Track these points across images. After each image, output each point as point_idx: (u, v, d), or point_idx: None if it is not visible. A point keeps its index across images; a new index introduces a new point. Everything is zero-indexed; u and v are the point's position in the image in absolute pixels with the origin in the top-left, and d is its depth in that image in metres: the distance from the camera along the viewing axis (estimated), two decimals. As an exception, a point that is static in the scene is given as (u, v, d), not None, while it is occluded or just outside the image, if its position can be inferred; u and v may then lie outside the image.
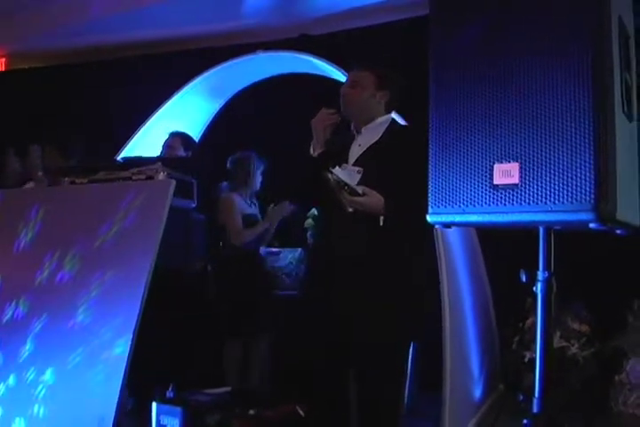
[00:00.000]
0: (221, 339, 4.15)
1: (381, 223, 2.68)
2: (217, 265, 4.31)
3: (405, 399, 3.42)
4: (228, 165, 4.31)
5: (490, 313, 4.24)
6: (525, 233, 1.85)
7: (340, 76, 4.08)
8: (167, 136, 4.42)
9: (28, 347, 2.83)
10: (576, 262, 3.78)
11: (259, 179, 4.34)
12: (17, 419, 2.75)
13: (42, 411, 2.70)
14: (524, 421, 1.78)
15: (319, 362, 2.83)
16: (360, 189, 2.63)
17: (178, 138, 4.40)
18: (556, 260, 1.86)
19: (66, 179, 3.24)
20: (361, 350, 2.73)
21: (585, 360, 3.79)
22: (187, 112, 5.21)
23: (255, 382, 4.16)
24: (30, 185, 3.95)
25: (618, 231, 1.76)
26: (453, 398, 3.06)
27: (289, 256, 4.79)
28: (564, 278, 2.43)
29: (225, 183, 4.35)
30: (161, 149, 4.38)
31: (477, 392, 3.66)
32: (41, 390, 2.73)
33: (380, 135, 2.88)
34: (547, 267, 1.80)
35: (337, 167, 2.69)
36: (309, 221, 4.28)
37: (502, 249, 3.74)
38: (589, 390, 3.69)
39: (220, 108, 5.46)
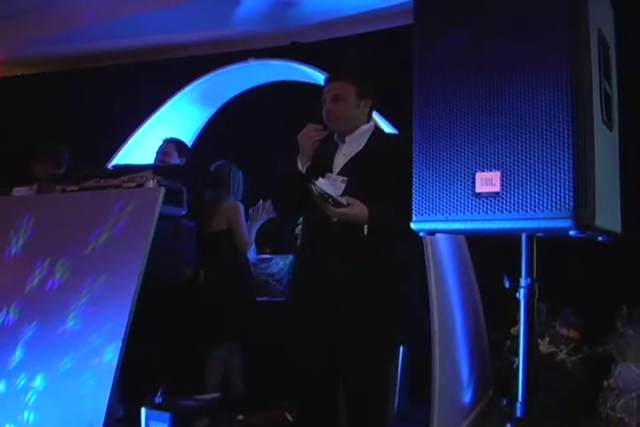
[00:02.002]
0: (208, 344, 4.17)
1: (365, 232, 2.70)
2: (210, 270, 4.35)
3: (395, 405, 3.44)
4: (213, 173, 4.34)
5: (480, 319, 4.26)
6: (515, 239, 1.87)
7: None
8: (161, 142, 4.45)
9: (18, 353, 2.84)
10: (565, 269, 3.82)
11: (241, 187, 4.38)
12: (7, 425, 2.76)
13: (32, 417, 2.71)
14: (507, 425, 1.80)
15: (308, 368, 2.84)
16: (344, 200, 2.64)
17: (172, 144, 4.43)
18: (545, 266, 1.88)
19: (57, 186, 3.25)
20: (349, 356, 2.74)
21: (574, 365, 3.81)
22: (178, 119, 5.24)
23: (237, 387, 4.17)
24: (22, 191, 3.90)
25: (600, 238, 1.79)
26: (442, 403, 3.08)
27: (280, 263, 4.80)
28: (554, 284, 2.45)
29: (208, 191, 4.36)
30: (155, 155, 4.40)
31: (467, 398, 3.67)
32: (31, 397, 2.74)
33: (363, 144, 2.89)
34: (529, 273, 1.82)
35: (320, 178, 2.71)
36: (300, 228, 4.30)
37: (492, 254, 3.76)
38: (578, 394, 3.70)
39: (212, 116, 5.49)
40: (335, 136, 2.96)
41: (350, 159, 2.87)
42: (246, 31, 5.40)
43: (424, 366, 3.11)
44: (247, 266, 4.37)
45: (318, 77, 4.32)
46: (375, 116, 3.10)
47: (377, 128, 3.03)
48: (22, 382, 2.78)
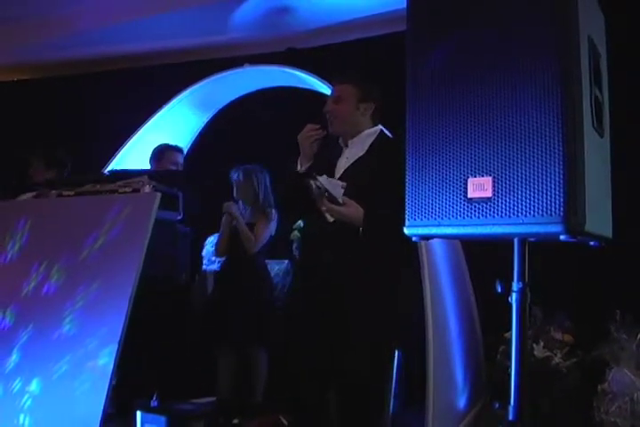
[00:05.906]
0: (210, 349, 4.20)
1: (360, 235, 2.71)
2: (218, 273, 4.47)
3: (390, 410, 3.44)
4: (234, 177, 4.40)
5: (475, 323, 4.26)
6: (510, 242, 1.88)
7: (326, 89, 4.11)
8: (164, 152, 4.41)
9: (14, 357, 2.85)
10: (560, 273, 3.83)
11: (264, 186, 4.42)
12: (2, 429, 2.77)
13: (27, 421, 2.71)
14: (499, 428, 1.82)
15: (304, 373, 2.85)
16: (340, 199, 2.66)
17: (179, 153, 4.42)
18: (540, 271, 1.89)
19: (53, 191, 3.26)
20: (345, 361, 2.75)
21: (568, 370, 3.82)
22: (174, 125, 5.25)
23: (257, 393, 4.17)
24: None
25: (591, 243, 1.80)
26: (437, 408, 3.08)
27: (275, 268, 4.80)
28: (549, 289, 2.46)
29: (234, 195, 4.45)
30: (156, 161, 4.38)
31: (462, 402, 3.68)
32: (27, 400, 2.74)
33: (366, 148, 2.89)
34: (521, 277, 1.84)
35: (324, 175, 2.71)
36: (295, 234, 4.32)
37: (487, 258, 3.77)
38: (572, 399, 3.71)
39: (208, 122, 5.50)
40: (340, 140, 2.96)
41: (352, 163, 2.88)
42: (242, 37, 5.42)
43: (419, 370, 3.11)
44: (253, 267, 4.42)
45: (314, 83, 4.34)
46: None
47: (382, 132, 3.01)
48: (18, 386, 2.78)
